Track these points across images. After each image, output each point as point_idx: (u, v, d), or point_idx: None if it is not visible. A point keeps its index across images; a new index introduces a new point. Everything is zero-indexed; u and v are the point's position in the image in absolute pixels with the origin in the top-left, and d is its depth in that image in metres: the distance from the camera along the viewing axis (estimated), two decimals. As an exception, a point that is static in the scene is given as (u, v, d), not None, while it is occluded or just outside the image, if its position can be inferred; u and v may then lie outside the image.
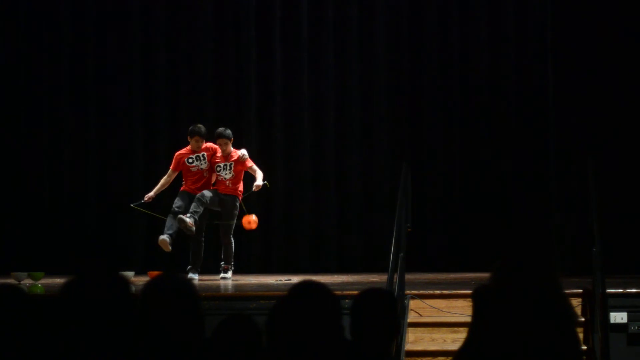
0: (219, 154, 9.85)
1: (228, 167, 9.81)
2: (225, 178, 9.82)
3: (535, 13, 11.43)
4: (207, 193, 9.67)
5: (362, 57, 11.83)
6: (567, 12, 11.14)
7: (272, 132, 11.86)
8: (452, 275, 10.21)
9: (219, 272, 9.87)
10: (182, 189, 9.91)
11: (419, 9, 11.76)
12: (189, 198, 9.75)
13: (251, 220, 9.90)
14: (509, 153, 11.41)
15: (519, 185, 11.33)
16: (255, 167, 9.87)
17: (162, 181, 9.94)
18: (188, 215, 9.47)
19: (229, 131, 9.85)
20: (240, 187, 9.91)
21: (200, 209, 9.56)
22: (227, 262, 9.90)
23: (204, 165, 9.86)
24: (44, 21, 12.00)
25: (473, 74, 11.62)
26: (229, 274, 9.84)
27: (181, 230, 9.54)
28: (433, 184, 11.57)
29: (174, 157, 9.95)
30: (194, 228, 9.48)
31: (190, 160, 9.85)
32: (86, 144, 11.92)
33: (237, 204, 9.85)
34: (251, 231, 10.19)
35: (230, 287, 9.06)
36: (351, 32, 11.84)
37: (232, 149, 9.87)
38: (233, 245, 9.89)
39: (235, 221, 9.86)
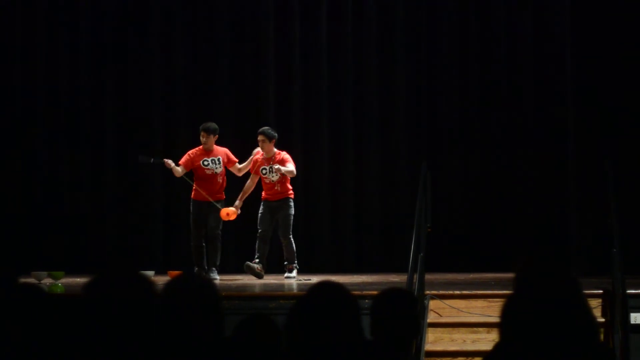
0: (260, 157, 9.70)
1: (274, 170, 9.63)
2: (272, 181, 9.65)
3: (555, 13, 11.37)
4: (261, 227, 9.61)
5: (381, 54, 11.81)
6: (587, 12, 11.10)
7: (291, 131, 11.84)
8: (471, 276, 10.18)
9: (241, 271, 9.87)
10: (193, 195, 9.77)
11: (436, 6, 11.73)
12: (208, 207, 9.68)
13: (230, 212, 9.63)
14: (528, 153, 11.37)
15: (538, 185, 11.29)
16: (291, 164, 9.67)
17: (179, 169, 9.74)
18: (257, 261, 9.54)
19: (271, 130, 9.70)
20: (289, 185, 9.75)
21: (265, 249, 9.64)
22: (291, 262, 9.69)
23: (218, 170, 9.76)
24: (62, 21, 12.02)
25: (492, 75, 11.59)
26: (294, 273, 9.66)
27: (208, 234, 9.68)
28: (453, 184, 11.55)
29: (187, 153, 9.86)
30: (263, 272, 9.56)
31: (205, 163, 9.75)
32: (105, 147, 11.92)
33: (291, 204, 9.72)
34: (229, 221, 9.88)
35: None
36: (370, 28, 11.81)
37: (275, 150, 9.71)
38: (293, 243, 9.71)
39: (292, 219, 9.75)
